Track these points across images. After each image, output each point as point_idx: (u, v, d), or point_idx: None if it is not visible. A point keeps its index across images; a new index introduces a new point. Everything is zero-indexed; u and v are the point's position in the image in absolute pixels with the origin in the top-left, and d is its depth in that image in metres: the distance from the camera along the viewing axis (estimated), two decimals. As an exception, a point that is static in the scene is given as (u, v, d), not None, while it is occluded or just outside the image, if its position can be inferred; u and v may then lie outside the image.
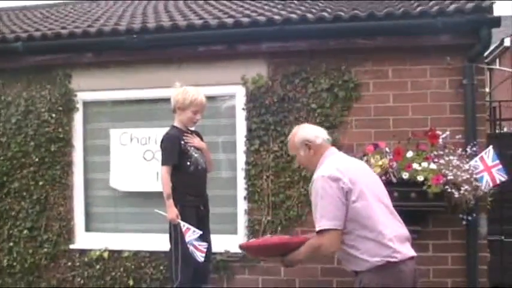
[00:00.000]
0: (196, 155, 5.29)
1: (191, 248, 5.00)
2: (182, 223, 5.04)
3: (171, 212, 5.10)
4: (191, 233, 5.01)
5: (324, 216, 3.72)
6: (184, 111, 5.27)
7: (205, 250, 5.05)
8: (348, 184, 3.71)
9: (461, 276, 6.13)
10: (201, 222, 5.30)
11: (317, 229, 3.76)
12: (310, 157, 4.08)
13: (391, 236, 3.71)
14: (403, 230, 3.88)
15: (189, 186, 5.24)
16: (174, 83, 5.46)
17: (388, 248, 3.66)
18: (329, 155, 4.03)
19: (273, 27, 6.35)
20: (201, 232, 5.04)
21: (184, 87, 5.32)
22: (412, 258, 3.78)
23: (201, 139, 5.51)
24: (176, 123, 5.37)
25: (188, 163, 5.23)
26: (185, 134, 5.31)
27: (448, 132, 5.93)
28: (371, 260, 3.66)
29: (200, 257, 5.01)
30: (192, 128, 5.49)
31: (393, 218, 3.91)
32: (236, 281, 6.64)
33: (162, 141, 5.31)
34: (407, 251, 3.78)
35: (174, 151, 5.18)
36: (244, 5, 7.88)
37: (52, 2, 10.89)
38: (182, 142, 5.22)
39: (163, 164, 5.23)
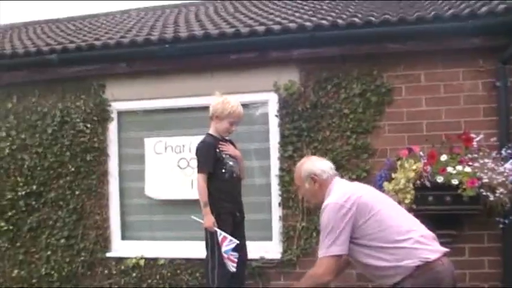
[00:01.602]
0: (231, 163, 5.32)
1: (226, 257, 5.04)
2: (219, 231, 5.08)
3: (208, 219, 5.13)
4: (228, 242, 5.04)
5: (326, 244, 3.79)
6: (221, 121, 5.31)
7: (236, 260, 5.08)
8: (356, 205, 3.77)
9: (498, 280, 6.07)
10: (237, 228, 5.33)
11: (319, 257, 3.85)
12: (315, 190, 4.14)
13: (417, 237, 3.71)
14: (426, 229, 3.89)
15: (224, 193, 5.26)
16: (214, 91, 5.49)
17: (416, 249, 3.65)
18: (335, 183, 4.10)
19: (304, 33, 6.37)
20: (238, 242, 5.08)
21: (224, 97, 5.36)
22: (445, 254, 3.77)
23: (235, 147, 5.55)
24: (211, 131, 5.40)
25: (223, 170, 5.26)
26: (220, 142, 5.34)
27: (482, 135, 5.87)
28: (402, 264, 3.63)
29: (232, 267, 5.06)
30: (227, 137, 5.52)
31: (414, 221, 3.93)
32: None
33: (197, 149, 5.33)
34: (438, 247, 3.78)
35: (209, 159, 5.21)
36: (275, 13, 7.92)
37: (85, 14, 11.02)
38: (217, 150, 5.26)
39: (199, 171, 5.25)
